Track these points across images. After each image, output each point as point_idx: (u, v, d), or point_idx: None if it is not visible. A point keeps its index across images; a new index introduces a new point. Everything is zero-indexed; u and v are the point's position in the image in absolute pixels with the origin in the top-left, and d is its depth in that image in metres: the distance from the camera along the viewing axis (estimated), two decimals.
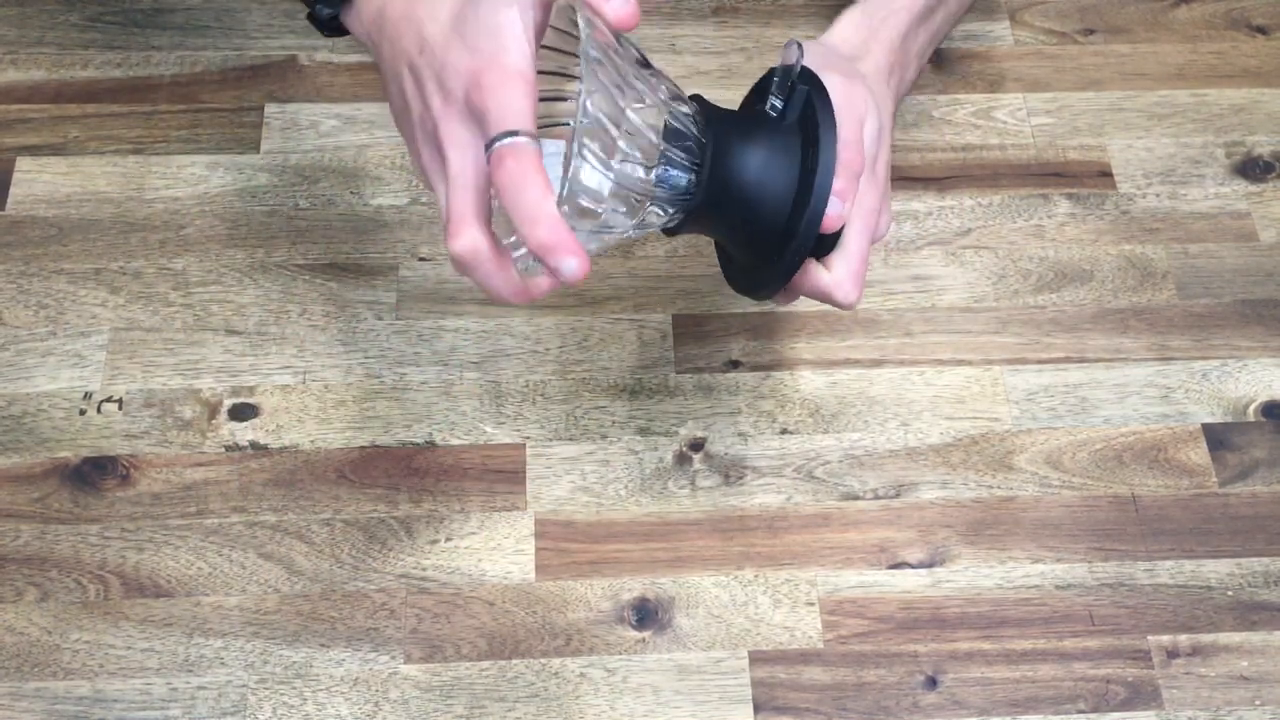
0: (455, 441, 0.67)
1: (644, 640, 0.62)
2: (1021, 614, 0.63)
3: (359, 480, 0.65)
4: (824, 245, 0.57)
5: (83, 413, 0.67)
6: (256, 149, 0.75)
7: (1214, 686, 0.62)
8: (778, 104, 0.56)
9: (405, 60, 0.52)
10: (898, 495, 0.66)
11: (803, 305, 0.71)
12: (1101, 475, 0.67)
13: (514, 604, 0.63)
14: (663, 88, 0.53)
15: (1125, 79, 0.80)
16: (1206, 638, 0.63)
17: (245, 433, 0.66)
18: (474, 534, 0.64)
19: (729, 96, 0.60)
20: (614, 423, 0.68)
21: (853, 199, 0.57)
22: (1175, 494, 0.67)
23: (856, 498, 0.66)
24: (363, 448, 0.66)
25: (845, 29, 0.66)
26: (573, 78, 0.53)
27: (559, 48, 0.53)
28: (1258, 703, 0.61)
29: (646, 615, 0.63)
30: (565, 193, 0.48)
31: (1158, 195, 0.76)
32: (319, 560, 0.63)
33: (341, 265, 0.72)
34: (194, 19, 0.80)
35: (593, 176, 0.50)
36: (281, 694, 0.60)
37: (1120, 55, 0.81)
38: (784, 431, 0.68)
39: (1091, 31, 0.82)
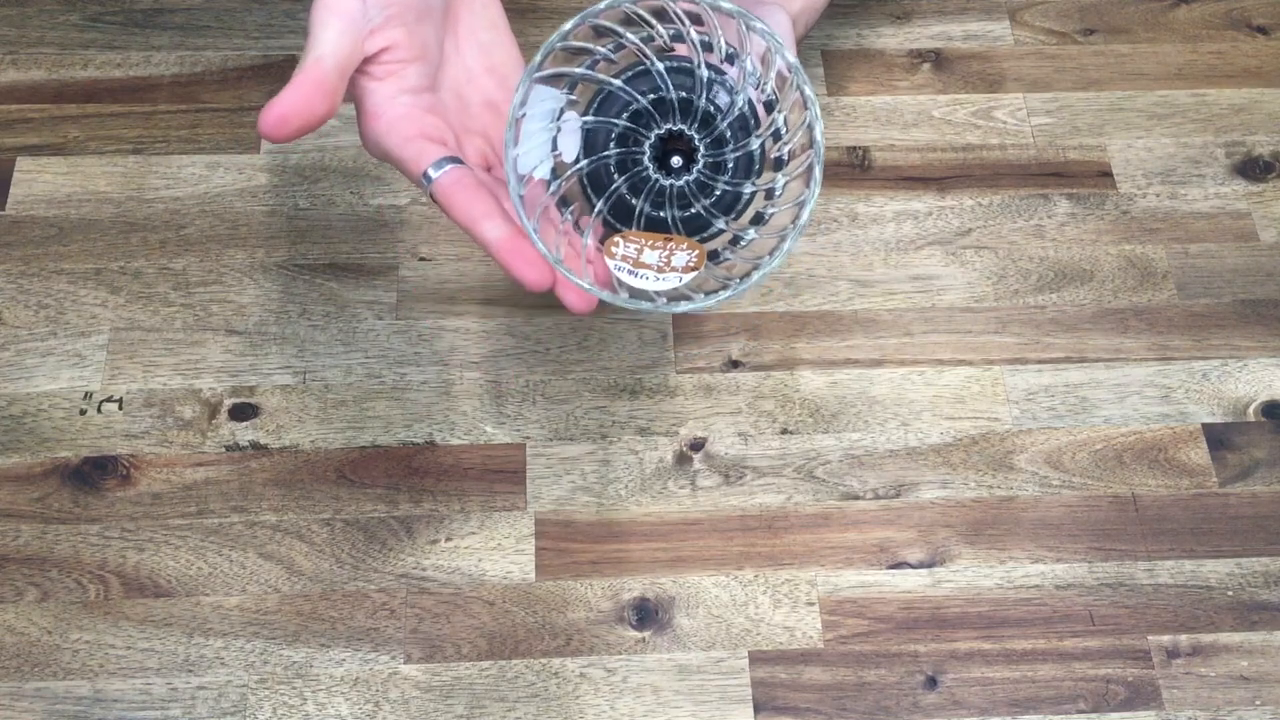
0: (455, 441, 0.67)
1: (644, 640, 0.62)
2: (1021, 614, 0.63)
3: (359, 480, 0.65)
4: None
5: (83, 413, 0.67)
6: (256, 149, 0.75)
7: (1214, 686, 0.62)
8: None
9: None
10: (898, 495, 0.66)
11: (803, 305, 0.71)
12: (1101, 475, 0.67)
13: (514, 604, 0.63)
14: None
15: (1125, 79, 0.80)
16: (1206, 638, 0.63)
17: (245, 433, 0.66)
18: (474, 534, 0.64)
19: None
20: (614, 423, 0.67)
21: None
22: (1175, 494, 0.67)
23: (856, 498, 0.66)
24: (363, 448, 0.66)
25: None
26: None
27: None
28: (1258, 703, 0.61)
29: (646, 615, 0.63)
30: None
31: (1158, 195, 0.76)
32: (319, 560, 0.63)
33: (341, 265, 0.72)
34: (194, 19, 0.80)
35: None
36: (281, 694, 0.60)
37: (1120, 55, 0.81)
38: (784, 431, 0.68)
39: (1091, 31, 0.82)
